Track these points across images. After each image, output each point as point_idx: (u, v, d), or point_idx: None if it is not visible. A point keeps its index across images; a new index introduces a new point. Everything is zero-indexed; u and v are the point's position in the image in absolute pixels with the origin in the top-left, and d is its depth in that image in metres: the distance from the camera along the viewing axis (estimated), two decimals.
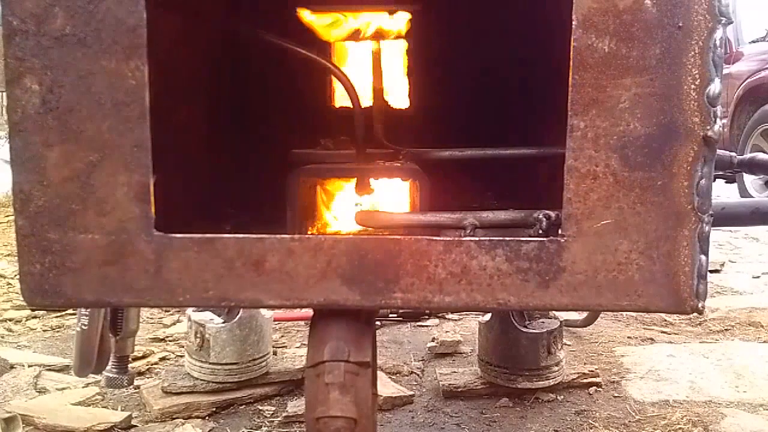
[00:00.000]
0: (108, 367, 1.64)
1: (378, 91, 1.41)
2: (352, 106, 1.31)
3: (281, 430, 1.83)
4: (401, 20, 1.46)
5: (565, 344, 2.17)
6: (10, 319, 2.72)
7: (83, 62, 0.85)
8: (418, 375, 2.22)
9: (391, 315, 2.72)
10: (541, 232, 1.01)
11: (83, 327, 1.52)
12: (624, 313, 2.76)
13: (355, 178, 1.36)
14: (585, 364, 2.25)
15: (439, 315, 2.81)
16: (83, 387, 2.05)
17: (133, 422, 1.84)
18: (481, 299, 0.89)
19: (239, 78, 1.62)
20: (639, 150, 0.86)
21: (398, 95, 1.65)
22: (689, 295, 0.88)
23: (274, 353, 2.11)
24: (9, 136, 0.86)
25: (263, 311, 1.97)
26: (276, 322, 2.60)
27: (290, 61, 1.42)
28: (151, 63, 0.85)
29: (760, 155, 1.57)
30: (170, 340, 2.52)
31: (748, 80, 6.10)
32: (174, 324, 2.71)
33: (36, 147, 0.86)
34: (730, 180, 5.93)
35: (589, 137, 0.86)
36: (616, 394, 2.07)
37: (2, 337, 2.54)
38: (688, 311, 0.89)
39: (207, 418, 1.88)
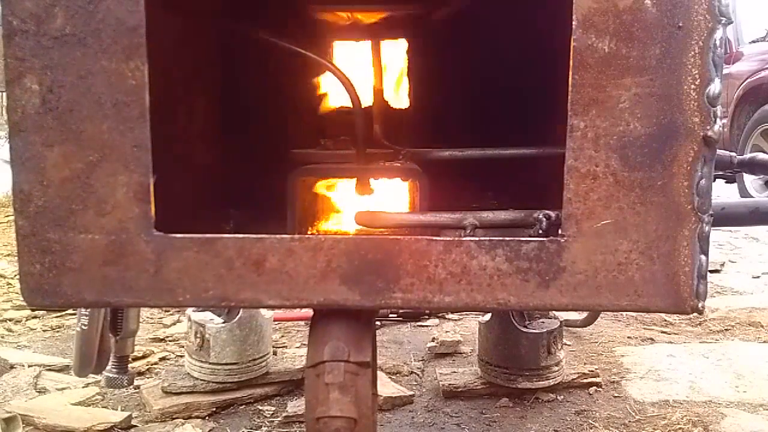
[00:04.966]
0: (108, 367, 1.63)
1: (378, 91, 1.41)
2: (352, 106, 1.31)
3: (281, 430, 1.83)
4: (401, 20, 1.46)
5: (565, 344, 2.17)
6: (10, 319, 2.72)
7: (83, 62, 0.85)
8: (418, 375, 2.22)
9: (391, 315, 2.72)
10: (541, 232, 1.01)
11: (83, 327, 1.52)
12: (624, 313, 2.76)
13: (355, 179, 1.36)
14: (585, 364, 2.25)
15: (439, 315, 2.81)
16: (83, 387, 2.05)
17: (133, 422, 1.84)
18: (481, 299, 0.89)
19: (239, 78, 1.62)
20: (639, 150, 0.86)
21: (398, 95, 1.65)
22: (689, 295, 0.88)
23: (274, 353, 2.11)
24: (9, 136, 0.86)
25: (263, 311, 1.97)
26: (276, 322, 2.60)
27: (290, 61, 1.42)
28: (151, 63, 0.85)
29: (760, 155, 1.57)
30: (170, 340, 2.52)
31: (748, 80, 6.10)
32: (174, 324, 2.71)
33: (36, 147, 0.86)
34: (730, 180, 5.93)
35: (589, 137, 0.86)
36: (616, 394, 2.07)
37: (2, 337, 2.54)
38: (688, 311, 0.89)
39: (207, 418, 1.88)
